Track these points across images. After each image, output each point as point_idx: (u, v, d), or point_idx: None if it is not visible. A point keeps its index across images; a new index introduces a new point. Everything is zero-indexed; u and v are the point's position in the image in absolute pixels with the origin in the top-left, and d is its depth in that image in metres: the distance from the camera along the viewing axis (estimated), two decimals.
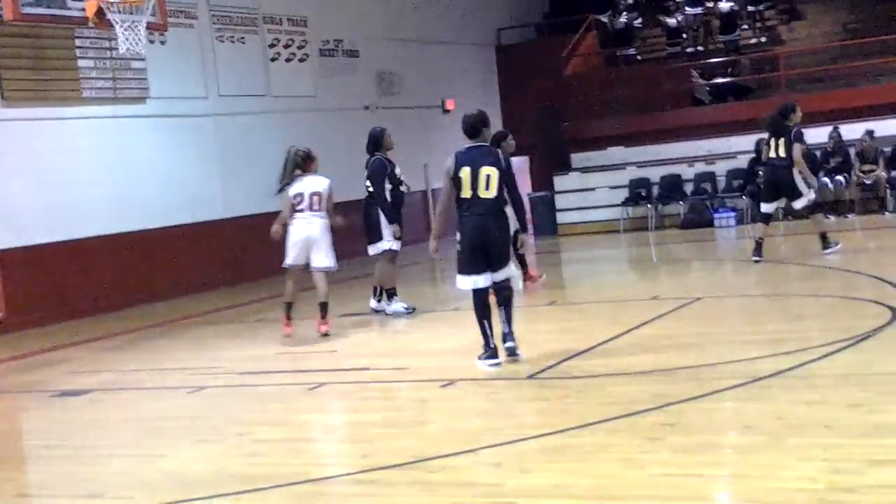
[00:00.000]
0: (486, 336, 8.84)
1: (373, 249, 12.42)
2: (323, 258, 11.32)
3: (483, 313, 8.82)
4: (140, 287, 16.29)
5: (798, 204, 13.54)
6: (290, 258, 11.33)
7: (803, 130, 13.67)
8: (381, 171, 12.17)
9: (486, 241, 8.71)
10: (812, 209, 13.78)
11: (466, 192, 8.69)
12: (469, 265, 8.79)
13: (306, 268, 11.46)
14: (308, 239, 11.24)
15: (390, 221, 12.14)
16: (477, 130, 8.85)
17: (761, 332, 9.51)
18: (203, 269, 17.40)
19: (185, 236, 17.21)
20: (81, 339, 13.28)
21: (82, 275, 15.58)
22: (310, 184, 11.27)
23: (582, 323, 11.21)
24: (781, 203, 14.23)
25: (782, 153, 13.31)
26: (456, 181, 8.70)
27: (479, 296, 8.83)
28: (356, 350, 10.73)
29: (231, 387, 9.52)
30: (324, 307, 11.44)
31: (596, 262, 17.25)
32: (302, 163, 11.38)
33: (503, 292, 8.88)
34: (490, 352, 8.83)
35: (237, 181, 18.21)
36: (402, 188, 12.37)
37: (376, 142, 12.37)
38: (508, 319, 8.86)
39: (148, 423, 8.47)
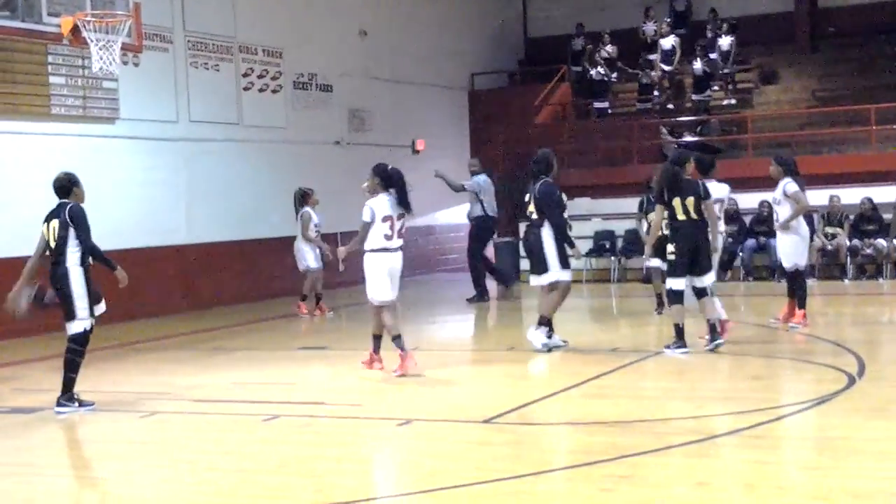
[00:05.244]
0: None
1: (536, 280, 11.82)
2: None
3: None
4: None
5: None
6: None
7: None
8: (553, 194, 11.55)
9: None
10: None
11: None
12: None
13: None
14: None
15: (571, 245, 11.67)
16: (66, 191, 9.60)
17: (719, 390, 9.53)
18: (162, 294, 17.22)
19: (145, 259, 17.03)
20: (32, 357, 13.07)
21: None
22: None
23: (540, 370, 11.20)
24: None
25: None
26: None
27: None
28: (313, 384, 10.63)
29: (184, 413, 9.38)
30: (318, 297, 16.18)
31: (557, 311, 17.15)
32: (301, 198, 15.88)
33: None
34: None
35: (202, 207, 18.09)
36: (566, 214, 11.74)
37: (548, 164, 11.66)
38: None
39: (96, 446, 8.34)
